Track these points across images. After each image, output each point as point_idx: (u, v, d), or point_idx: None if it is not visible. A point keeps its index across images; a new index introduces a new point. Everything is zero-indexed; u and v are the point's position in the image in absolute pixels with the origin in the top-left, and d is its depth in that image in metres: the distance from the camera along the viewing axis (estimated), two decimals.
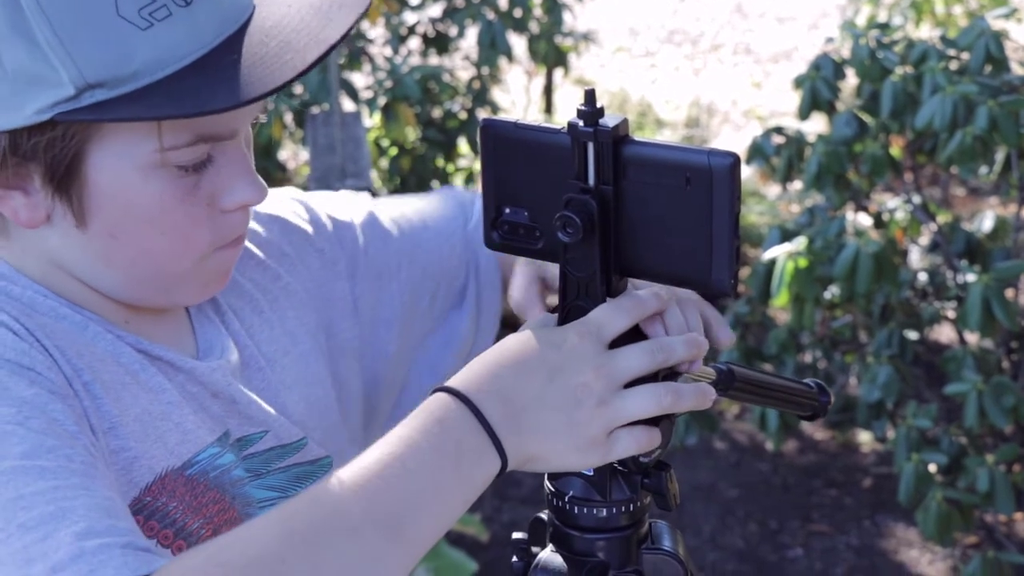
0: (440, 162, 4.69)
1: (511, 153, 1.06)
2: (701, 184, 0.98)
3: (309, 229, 1.37)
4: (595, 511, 1.10)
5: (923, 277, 3.38)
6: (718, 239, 1.00)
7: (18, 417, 0.95)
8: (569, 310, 1.06)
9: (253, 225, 1.31)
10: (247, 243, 1.29)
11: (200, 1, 1.00)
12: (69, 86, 0.96)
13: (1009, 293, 3.00)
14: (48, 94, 0.97)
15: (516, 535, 1.18)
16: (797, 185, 3.58)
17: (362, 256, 1.39)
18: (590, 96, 1.01)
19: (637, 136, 1.03)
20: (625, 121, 1.02)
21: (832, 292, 3.24)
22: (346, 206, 1.42)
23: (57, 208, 1.04)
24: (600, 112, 1.00)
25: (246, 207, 1.10)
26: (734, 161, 0.98)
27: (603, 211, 1.01)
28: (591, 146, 1.01)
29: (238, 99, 0.98)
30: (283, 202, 1.39)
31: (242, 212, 1.11)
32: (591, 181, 1.01)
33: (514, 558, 1.16)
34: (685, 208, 1.00)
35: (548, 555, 1.14)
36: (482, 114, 4.58)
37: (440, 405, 0.96)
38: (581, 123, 1.00)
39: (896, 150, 3.35)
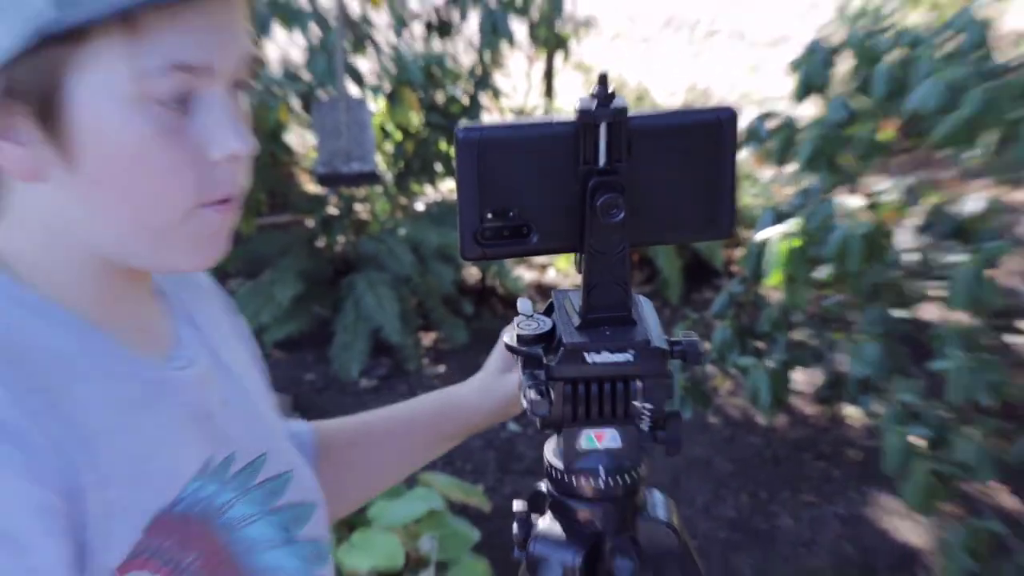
0: (443, 146, 4.69)
1: (494, 155, 1.03)
2: (710, 139, 1.00)
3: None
4: (592, 481, 1.12)
5: (911, 257, 3.39)
6: (723, 188, 1.02)
7: None
8: (594, 287, 1.07)
9: (204, 277, 1.37)
10: (200, 279, 1.34)
11: None
12: (44, 4, 0.93)
13: (993, 273, 3.01)
14: (25, 14, 0.95)
15: (516, 505, 1.20)
16: (790, 168, 3.58)
17: None
18: (603, 79, 1.00)
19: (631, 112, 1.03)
20: (626, 103, 1.02)
21: (823, 272, 3.25)
22: None
23: (48, 156, 1.00)
24: (612, 95, 1.00)
25: (235, 158, 1.05)
26: (733, 113, 1.00)
27: (624, 181, 1.02)
28: (603, 128, 1.01)
29: None
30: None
31: (231, 167, 1.05)
32: (602, 162, 1.02)
33: (515, 527, 1.18)
34: (689, 167, 1.02)
35: (547, 524, 1.15)
36: (486, 100, 4.58)
37: None
38: (595, 105, 1.00)
39: (887, 134, 3.35)
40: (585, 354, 1.05)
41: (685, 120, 1.02)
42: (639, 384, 1.05)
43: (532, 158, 1.04)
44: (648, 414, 1.06)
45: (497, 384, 1.45)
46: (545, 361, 1.07)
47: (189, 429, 1.13)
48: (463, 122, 1.07)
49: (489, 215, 1.04)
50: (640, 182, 1.02)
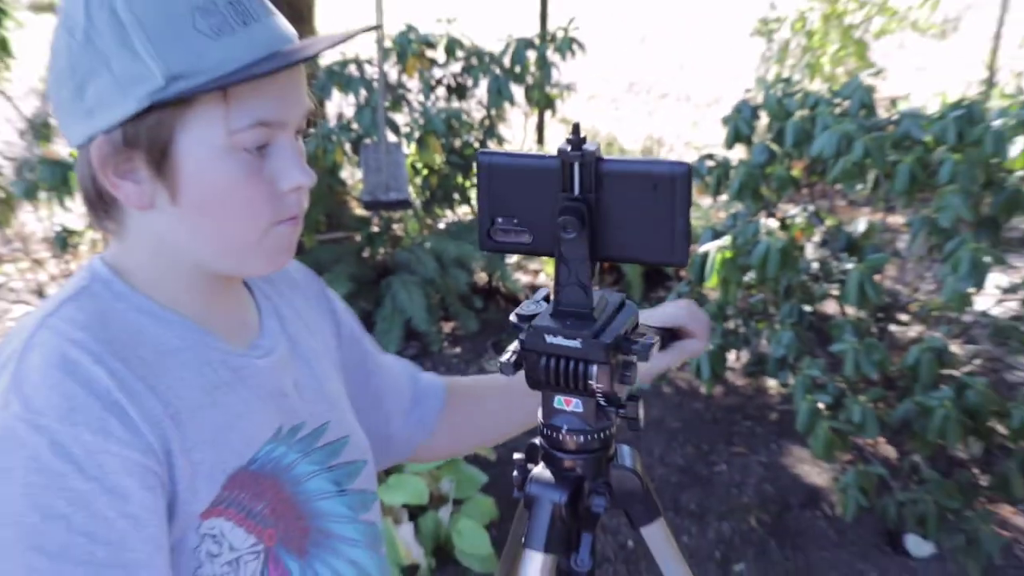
0: (459, 180, 4.69)
1: (503, 175, 1.06)
2: (665, 187, 1.00)
3: (336, 303, 1.41)
4: (576, 438, 1.12)
5: (815, 265, 3.39)
6: (678, 226, 1.02)
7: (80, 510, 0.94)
8: (563, 288, 1.07)
9: (298, 270, 1.36)
10: (298, 277, 1.35)
11: (255, 24, 1.00)
12: (160, 78, 0.96)
13: (877, 277, 3.01)
14: (145, 86, 0.97)
15: (516, 455, 1.19)
16: (723, 197, 3.58)
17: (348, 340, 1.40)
18: (576, 128, 1.03)
19: (607, 156, 1.05)
20: (599, 147, 1.04)
21: (749, 276, 3.24)
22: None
23: (157, 190, 1.02)
24: (583, 140, 1.03)
25: (299, 189, 1.07)
26: (688, 168, 1.00)
27: (588, 213, 1.03)
28: (577, 165, 1.02)
29: (272, 67, 0.98)
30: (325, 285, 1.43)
31: (296, 193, 1.07)
32: (576, 191, 1.03)
33: (514, 472, 1.17)
34: (651, 206, 1.02)
35: (540, 470, 1.15)
36: (491, 144, 4.59)
37: None
38: (570, 148, 1.02)
39: (796, 172, 3.35)
40: (546, 335, 1.06)
41: (650, 168, 1.02)
42: (594, 368, 1.05)
43: (528, 181, 1.06)
44: (600, 392, 1.07)
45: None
46: (521, 336, 1.09)
47: (264, 404, 1.13)
48: (485, 149, 1.09)
49: (499, 219, 1.07)
50: (610, 211, 1.03)
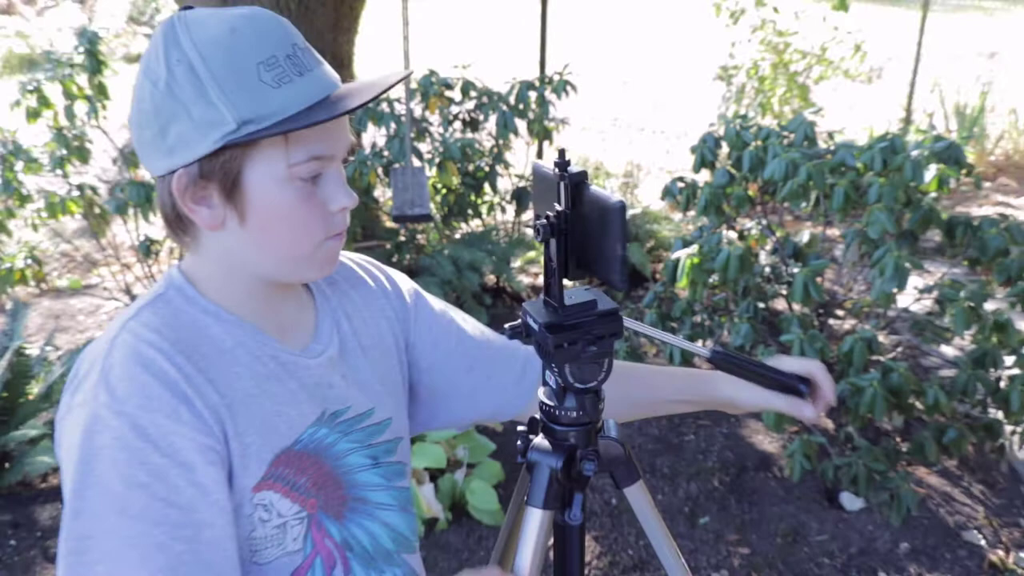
0: (472, 197, 4.68)
1: (536, 182, 1.09)
2: (608, 215, 1.00)
3: (406, 290, 1.34)
4: (569, 414, 1.11)
5: (767, 270, 3.38)
6: (613, 254, 1.01)
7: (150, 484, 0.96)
8: (548, 284, 1.09)
9: (363, 267, 1.32)
10: (363, 274, 1.30)
11: (309, 74, 1.01)
12: (232, 123, 0.97)
13: (818, 279, 3.00)
14: (220, 130, 0.98)
15: (520, 427, 1.19)
16: (692, 213, 3.57)
17: (423, 319, 1.33)
18: (562, 153, 1.05)
19: (591, 182, 1.05)
20: (584, 172, 1.04)
21: (713, 279, 3.23)
22: (435, 301, 1.37)
23: (228, 214, 1.03)
24: (568, 163, 1.03)
25: (344, 209, 1.07)
26: (621, 204, 0.99)
27: (563, 223, 1.04)
28: (562, 184, 1.03)
29: (327, 116, 0.99)
30: (400, 274, 1.36)
31: (342, 213, 1.08)
32: (562, 205, 1.03)
33: (518, 441, 1.17)
34: (603, 229, 1.01)
35: (539, 440, 1.14)
36: (500, 169, 4.58)
37: None
38: (556, 170, 1.02)
39: (752, 192, 3.34)
40: (527, 316, 1.10)
41: (599, 197, 1.02)
42: (550, 341, 1.07)
43: (545, 193, 1.07)
44: (556, 371, 1.10)
45: (745, 396, 1.32)
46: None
47: (309, 394, 1.12)
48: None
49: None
50: (580, 227, 1.04)
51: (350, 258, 1.30)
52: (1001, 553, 2.91)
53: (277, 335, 1.12)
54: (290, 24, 1.03)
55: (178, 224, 1.06)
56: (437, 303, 1.35)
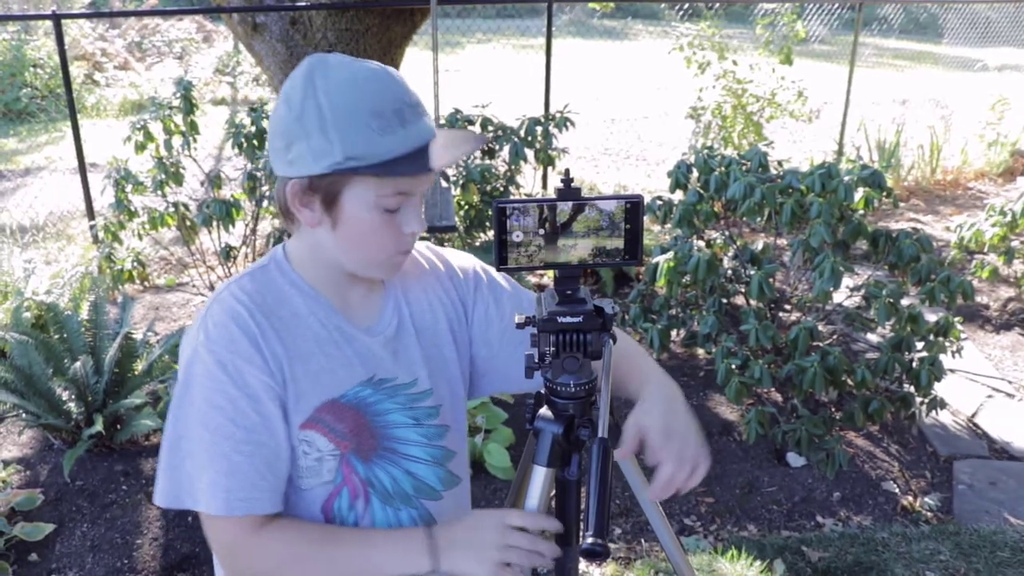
0: (489, 212, 4.68)
1: (511, 213, 1.03)
2: (631, 212, 1.00)
3: (465, 274, 1.27)
4: (567, 390, 1.11)
5: (730, 272, 3.36)
6: (635, 238, 1.01)
7: (228, 406, 1.03)
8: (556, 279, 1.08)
9: (429, 257, 1.26)
10: (424, 263, 1.25)
11: (411, 126, 1.02)
12: (340, 156, 1.00)
13: (771, 280, 2.98)
14: (330, 160, 1.00)
15: (529, 400, 1.18)
16: (668, 226, 3.55)
17: (483, 302, 1.26)
18: (567, 172, 1.04)
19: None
20: (580, 188, 1.04)
21: (686, 279, 3.22)
22: (501, 279, 1.29)
23: (324, 219, 1.06)
24: (571, 180, 1.03)
25: (414, 234, 1.09)
26: (641, 199, 1.00)
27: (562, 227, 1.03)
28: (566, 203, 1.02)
29: (411, 170, 1.01)
30: (463, 258, 1.29)
31: (412, 235, 1.10)
32: (566, 219, 1.03)
33: (527, 412, 1.17)
34: (612, 226, 1.01)
35: (544, 410, 1.14)
36: (512, 190, 4.57)
37: (418, 532, 1.06)
38: (563, 186, 1.02)
39: (717, 209, 3.33)
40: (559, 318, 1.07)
41: (612, 199, 1.01)
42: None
43: (530, 215, 1.04)
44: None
45: (639, 422, 1.12)
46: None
47: (362, 361, 1.13)
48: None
49: (509, 250, 1.07)
50: (580, 229, 1.03)
51: (416, 249, 1.25)
52: (911, 499, 2.90)
53: (344, 311, 1.13)
54: (404, 82, 1.03)
55: (287, 214, 1.09)
56: (506, 283, 1.28)
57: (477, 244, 4.79)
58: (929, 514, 2.82)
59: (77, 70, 10.09)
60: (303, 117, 1.00)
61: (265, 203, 4.12)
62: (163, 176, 4.10)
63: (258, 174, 4.04)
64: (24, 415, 3.05)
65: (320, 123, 0.99)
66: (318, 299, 1.10)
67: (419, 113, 1.03)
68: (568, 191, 1.02)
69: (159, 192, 4.14)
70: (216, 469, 1.02)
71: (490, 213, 4.69)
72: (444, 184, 4.18)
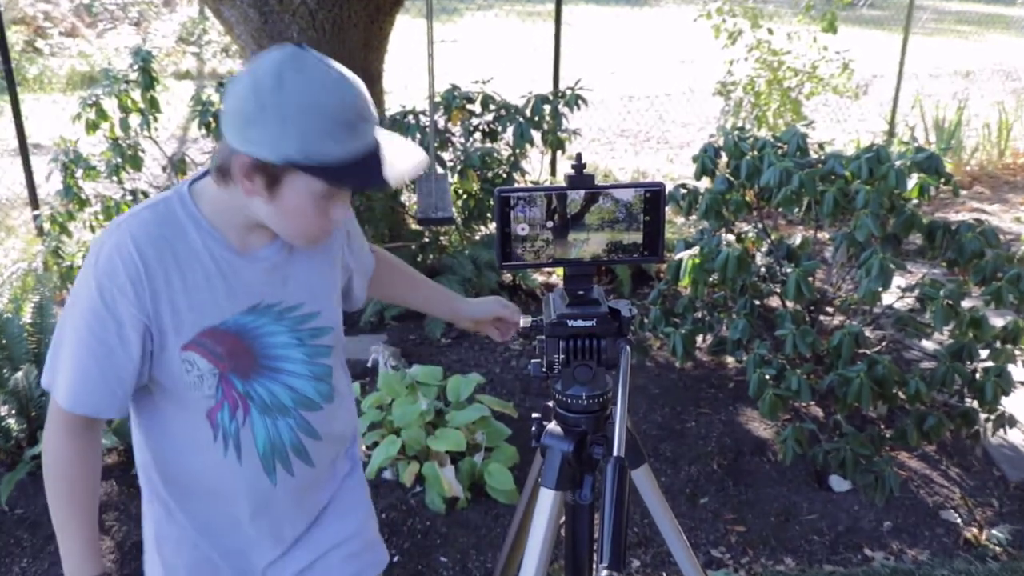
0: (491, 203, 4.68)
1: (515, 203, 1.09)
2: (653, 199, 1.01)
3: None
4: (579, 402, 1.11)
5: (763, 270, 3.36)
6: (658, 229, 1.02)
7: (91, 322, 1.28)
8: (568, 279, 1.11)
9: None
10: None
11: (362, 140, 1.20)
12: (296, 153, 1.16)
13: (809, 279, 2.98)
14: (283, 151, 1.17)
15: (535, 414, 1.19)
16: (693, 217, 3.55)
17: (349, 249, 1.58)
18: (579, 157, 1.05)
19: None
20: (593, 176, 1.04)
21: (713, 278, 3.22)
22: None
23: (263, 194, 1.23)
24: (584, 166, 1.06)
25: (339, 220, 1.30)
26: (662, 187, 1.00)
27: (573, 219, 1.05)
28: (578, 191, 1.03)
29: (354, 183, 1.26)
30: None
31: (337, 222, 1.30)
32: (578, 209, 1.03)
33: (532, 427, 1.17)
34: (629, 218, 1.01)
35: (552, 426, 1.14)
36: (516, 176, 4.57)
37: (97, 564, 1.39)
38: (574, 172, 1.02)
39: (749, 198, 3.33)
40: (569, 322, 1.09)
41: (630, 187, 1.01)
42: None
43: (536, 204, 1.07)
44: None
45: (472, 311, 1.71)
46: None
47: (246, 290, 1.35)
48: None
49: (514, 245, 1.10)
50: (595, 218, 1.04)
51: None
52: (975, 530, 2.89)
53: (240, 245, 1.33)
54: (366, 95, 1.21)
55: (225, 175, 1.26)
56: (356, 225, 1.62)
57: (477, 238, 4.81)
58: (998, 548, 2.81)
59: (16, 36, 10.12)
60: (268, 106, 1.15)
61: None
62: (119, 160, 4.11)
63: None
64: None
65: (282, 117, 1.14)
66: (213, 235, 1.31)
67: (372, 125, 1.22)
68: (580, 178, 1.02)
69: (114, 178, 4.14)
70: (74, 368, 1.30)
71: (491, 203, 4.69)
72: (440, 171, 4.19)
